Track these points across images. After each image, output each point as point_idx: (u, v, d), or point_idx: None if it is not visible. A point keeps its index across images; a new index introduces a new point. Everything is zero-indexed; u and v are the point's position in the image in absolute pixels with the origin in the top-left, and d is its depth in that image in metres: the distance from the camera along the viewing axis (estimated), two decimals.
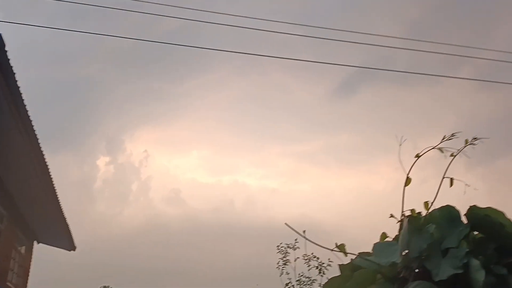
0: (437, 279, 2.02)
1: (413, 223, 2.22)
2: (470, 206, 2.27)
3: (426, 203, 2.36)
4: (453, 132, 2.22)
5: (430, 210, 2.36)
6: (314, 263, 10.52)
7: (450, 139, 2.23)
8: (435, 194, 2.36)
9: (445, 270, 2.02)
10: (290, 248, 10.88)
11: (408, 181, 2.34)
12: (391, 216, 2.40)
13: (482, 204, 2.32)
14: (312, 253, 10.45)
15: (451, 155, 2.28)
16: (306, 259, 10.61)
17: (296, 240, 10.61)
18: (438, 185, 2.37)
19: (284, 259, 10.84)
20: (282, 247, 10.94)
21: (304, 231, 3.05)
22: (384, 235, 2.40)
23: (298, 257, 10.67)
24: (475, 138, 2.24)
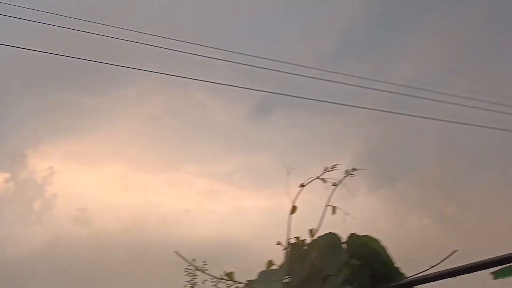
0: None
1: (295, 251, 2.28)
2: (350, 234, 2.38)
3: (311, 230, 2.44)
4: (335, 165, 2.32)
5: (314, 237, 2.45)
6: (222, 285, 10.42)
7: (331, 170, 2.33)
8: (319, 221, 2.45)
9: None
10: (199, 270, 10.66)
11: (294, 209, 2.40)
12: (278, 243, 2.44)
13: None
14: (219, 275, 10.35)
15: (333, 184, 2.38)
16: (214, 282, 10.48)
17: (205, 262, 10.45)
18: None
19: (192, 282, 10.63)
20: (190, 269, 10.72)
21: (193, 259, 3.01)
22: (270, 263, 2.43)
23: (206, 280, 10.50)
24: (354, 169, 2.36)
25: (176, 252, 2.68)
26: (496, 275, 7.74)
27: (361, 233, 2.44)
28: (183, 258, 2.71)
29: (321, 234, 2.45)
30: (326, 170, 2.33)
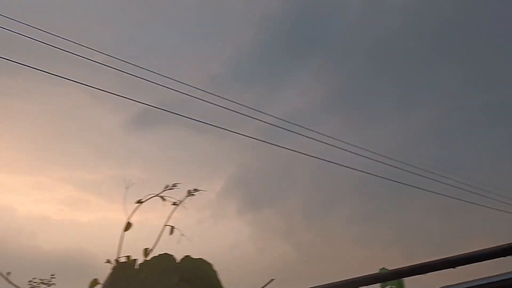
0: None
1: (121, 271, 2.15)
2: (184, 256, 2.33)
3: (145, 250, 2.34)
4: (175, 183, 2.27)
5: (148, 257, 2.34)
6: None
7: (172, 189, 2.27)
8: (156, 240, 2.36)
9: None
10: (45, 284, 9.79)
11: (128, 226, 2.28)
12: (108, 261, 2.29)
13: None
14: None
15: (173, 204, 2.32)
16: None
17: (53, 275, 9.66)
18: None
19: None
20: (35, 282, 9.78)
21: (8, 273, 2.70)
22: (94, 282, 2.26)
23: None
24: (195, 190, 2.32)
25: None
26: None
27: (200, 256, 2.40)
28: None
29: (156, 254, 2.36)
30: (166, 188, 2.26)
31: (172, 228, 2.37)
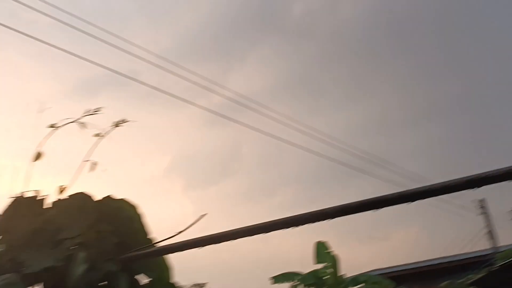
0: (28, 271, 1.65)
1: (24, 206, 1.82)
2: (104, 197, 2.04)
3: (61, 187, 2.03)
4: (98, 108, 1.95)
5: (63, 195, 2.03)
6: None
7: (93, 114, 1.96)
8: (74, 177, 2.05)
9: (40, 262, 1.67)
10: None
11: (38, 156, 1.95)
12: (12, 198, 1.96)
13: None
14: None
15: (96, 135, 2.00)
16: None
17: None
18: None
19: None
20: None
21: None
22: None
23: None
24: (123, 121, 2.02)
25: None
26: (276, 280, 8.14)
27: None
28: None
29: (73, 192, 2.05)
30: (87, 113, 1.94)
31: (95, 164, 2.06)
